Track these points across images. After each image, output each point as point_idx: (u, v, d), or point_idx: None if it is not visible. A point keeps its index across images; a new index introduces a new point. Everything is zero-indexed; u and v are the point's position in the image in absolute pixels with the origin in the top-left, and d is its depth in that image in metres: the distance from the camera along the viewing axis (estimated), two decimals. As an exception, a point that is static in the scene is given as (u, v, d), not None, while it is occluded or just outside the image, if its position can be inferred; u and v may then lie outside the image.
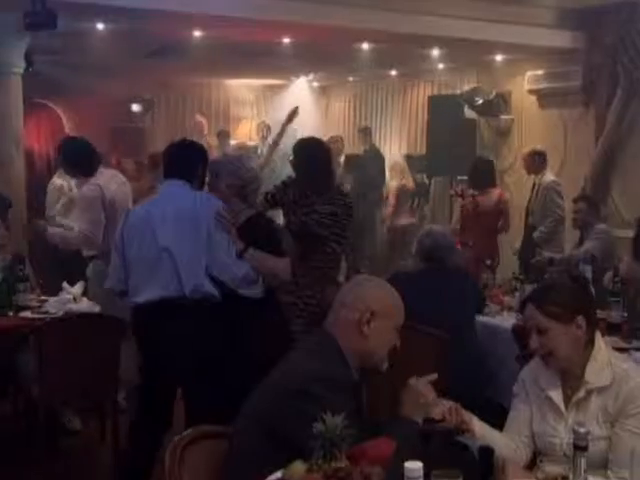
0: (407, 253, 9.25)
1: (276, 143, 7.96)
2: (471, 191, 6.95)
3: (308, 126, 10.30)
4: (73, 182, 5.96)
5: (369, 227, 9.57)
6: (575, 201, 6.10)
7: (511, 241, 7.45)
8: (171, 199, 3.52)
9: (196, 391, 3.43)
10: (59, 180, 6.52)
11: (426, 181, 9.94)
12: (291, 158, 4.85)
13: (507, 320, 4.56)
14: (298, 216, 4.59)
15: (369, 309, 2.26)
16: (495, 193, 6.90)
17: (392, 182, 9.58)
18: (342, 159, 9.53)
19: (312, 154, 4.62)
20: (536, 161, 7.01)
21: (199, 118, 10.84)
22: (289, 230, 4.65)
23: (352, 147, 11.34)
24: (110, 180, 5.05)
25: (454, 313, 4.17)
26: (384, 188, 9.76)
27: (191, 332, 3.36)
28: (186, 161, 3.61)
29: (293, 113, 7.71)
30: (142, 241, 3.45)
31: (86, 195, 4.92)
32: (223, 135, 10.98)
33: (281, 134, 7.95)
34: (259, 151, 10.09)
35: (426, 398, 2.25)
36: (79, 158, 4.98)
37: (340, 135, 9.95)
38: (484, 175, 6.94)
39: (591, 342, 2.41)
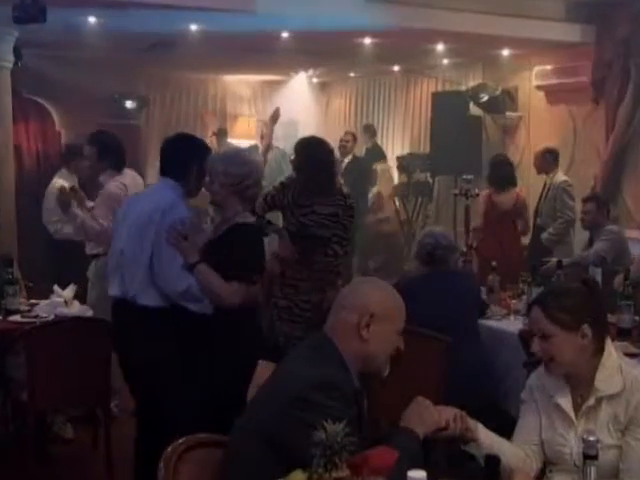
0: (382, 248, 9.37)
1: (268, 146, 7.89)
2: (476, 190, 6.91)
3: (308, 124, 10.44)
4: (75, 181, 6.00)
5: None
6: (584, 201, 6.09)
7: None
8: (142, 200, 3.55)
9: (147, 397, 3.46)
10: (60, 181, 6.42)
11: (429, 180, 9.96)
12: (292, 157, 4.91)
13: (514, 324, 4.55)
14: (296, 217, 4.62)
15: (368, 312, 2.24)
16: (512, 193, 6.86)
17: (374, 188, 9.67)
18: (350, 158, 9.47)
19: (314, 154, 4.63)
20: (547, 160, 6.98)
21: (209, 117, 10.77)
22: (288, 231, 4.67)
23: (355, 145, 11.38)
24: (132, 181, 5.08)
25: (458, 316, 4.18)
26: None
27: (140, 335, 3.38)
28: (175, 158, 3.51)
29: (275, 114, 7.66)
30: (114, 236, 3.56)
31: (112, 192, 4.92)
32: (221, 134, 11.00)
33: (269, 135, 7.93)
34: (259, 150, 9.93)
35: (432, 415, 2.25)
36: (115, 149, 4.98)
37: (353, 132, 9.90)
38: (504, 174, 6.89)
39: (600, 348, 2.39)
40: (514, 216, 6.83)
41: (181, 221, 3.35)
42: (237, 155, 3.51)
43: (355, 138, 9.63)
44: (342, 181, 6.60)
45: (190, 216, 3.43)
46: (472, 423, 2.35)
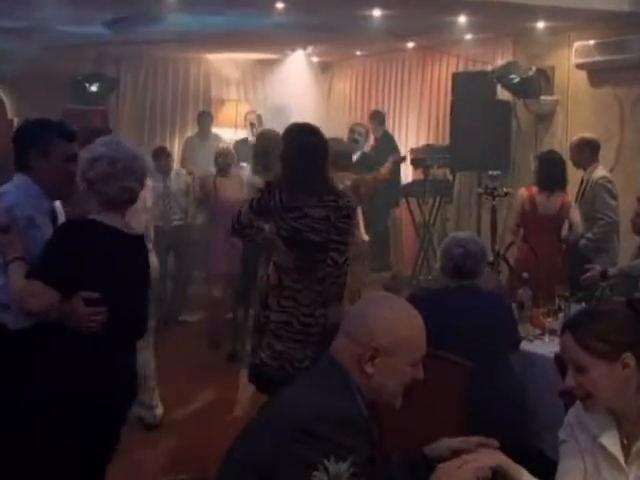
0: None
1: None
2: (504, 189, 6.94)
3: (306, 111, 10.34)
4: None
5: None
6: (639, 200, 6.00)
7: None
8: None
9: None
10: None
11: (449, 177, 9.99)
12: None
13: (549, 347, 4.55)
14: (287, 221, 4.68)
15: (372, 345, 2.26)
16: (559, 197, 6.76)
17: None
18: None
19: (304, 145, 4.66)
20: (585, 152, 6.93)
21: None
22: (280, 237, 4.74)
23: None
24: None
25: (484, 339, 4.18)
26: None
27: None
28: (17, 147, 3.47)
29: None
30: None
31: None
32: (204, 118, 10.97)
33: None
34: (248, 145, 9.96)
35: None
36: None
37: (364, 125, 9.87)
38: (554, 174, 6.76)
39: None
40: (556, 223, 6.78)
41: (6, 210, 3.28)
42: (97, 142, 3.39)
43: (368, 132, 9.67)
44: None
45: (26, 210, 3.32)
46: (515, 469, 2.31)
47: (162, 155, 8.70)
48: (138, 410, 5.48)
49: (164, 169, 8.62)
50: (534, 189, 6.76)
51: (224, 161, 8.03)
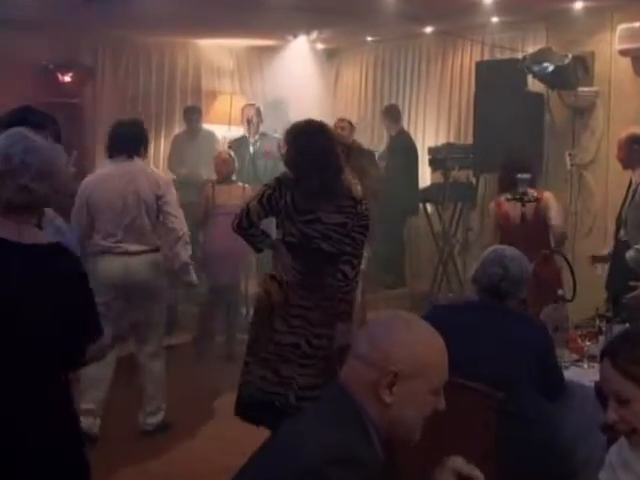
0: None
1: None
2: (535, 194, 7.02)
3: (309, 105, 10.35)
4: None
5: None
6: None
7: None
8: None
9: None
10: None
11: (472, 180, 10.00)
12: (282, 149, 5.23)
13: (588, 374, 4.56)
14: (297, 225, 4.81)
15: (391, 369, 2.27)
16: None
17: None
18: None
19: (312, 143, 4.79)
20: (635, 151, 6.94)
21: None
22: (285, 244, 4.89)
23: (373, 133, 11.50)
24: None
25: (513, 365, 4.19)
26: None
27: None
28: None
29: None
30: None
31: None
32: (191, 114, 10.97)
33: None
34: (252, 140, 10.17)
35: None
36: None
37: (348, 120, 9.94)
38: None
39: None
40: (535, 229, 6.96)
41: None
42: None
43: (352, 126, 9.72)
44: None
45: None
46: None
47: None
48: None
49: None
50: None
51: (227, 169, 8.30)
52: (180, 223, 6.27)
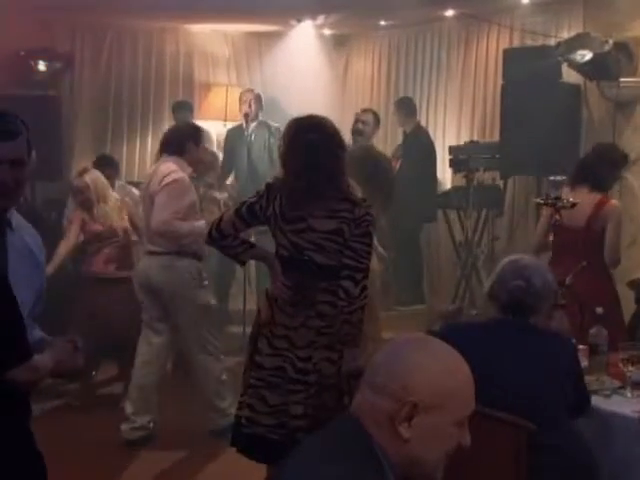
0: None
1: None
2: (570, 199, 6.79)
3: (315, 98, 10.45)
4: None
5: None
6: None
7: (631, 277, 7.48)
8: None
9: None
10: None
11: (499, 183, 9.98)
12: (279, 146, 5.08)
13: (631, 404, 4.57)
14: (287, 235, 4.79)
15: (410, 400, 2.27)
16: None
17: None
18: None
19: (303, 139, 4.76)
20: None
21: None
22: (278, 257, 4.86)
23: (387, 130, 11.52)
24: None
25: (545, 393, 4.17)
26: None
27: None
28: None
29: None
30: None
31: None
32: (181, 111, 10.97)
33: None
34: (246, 133, 10.26)
35: None
36: None
37: (372, 111, 9.86)
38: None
39: None
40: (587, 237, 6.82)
41: None
42: None
43: (378, 119, 9.84)
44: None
45: None
46: None
47: (105, 167, 8.67)
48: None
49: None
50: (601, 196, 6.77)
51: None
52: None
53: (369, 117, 9.67)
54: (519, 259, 4.61)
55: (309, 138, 4.73)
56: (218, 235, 4.93)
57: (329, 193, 4.72)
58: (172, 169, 6.58)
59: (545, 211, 6.94)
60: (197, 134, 6.88)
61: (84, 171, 7.84)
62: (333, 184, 4.75)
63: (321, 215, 4.68)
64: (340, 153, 4.85)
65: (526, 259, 4.64)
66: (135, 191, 8.80)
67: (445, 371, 2.34)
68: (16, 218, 3.51)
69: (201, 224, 6.51)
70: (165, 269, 6.62)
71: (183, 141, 6.74)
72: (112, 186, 8.56)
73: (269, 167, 9.69)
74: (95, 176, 7.78)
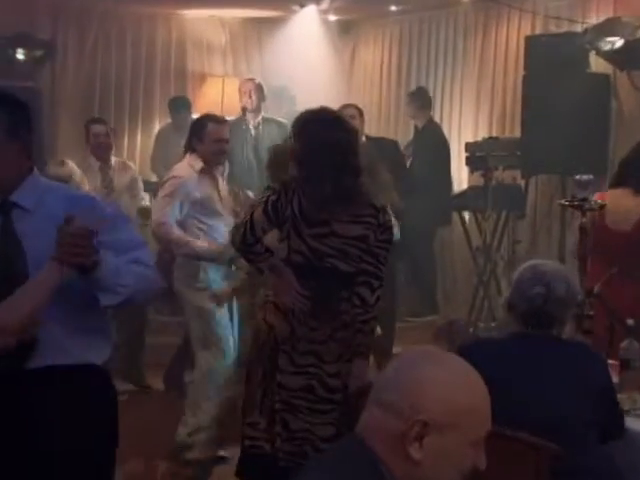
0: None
1: None
2: (599, 201, 6.67)
3: (320, 89, 10.56)
4: None
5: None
6: None
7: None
8: None
9: None
10: None
11: (520, 182, 10.00)
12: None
13: None
14: (306, 240, 4.77)
15: (420, 418, 2.26)
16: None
17: None
18: None
19: (327, 135, 4.74)
20: None
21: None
22: (290, 263, 4.83)
23: (397, 125, 11.59)
24: None
25: (573, 411, 4.13)
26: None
27: None
28: None
29: None
30: None
31: None
32: (178, 108, 10.93)
33: None
34: (244, 127, 10.08)
35: None
36: None
37: (355, 105, 9.73)
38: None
39: None
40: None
41: None
42: None
43: (362, 114, 9.60)
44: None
45: None
46: None
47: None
48: None
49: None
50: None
51: None
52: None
53: (353, 111, 9.47)
54: (538, 264, 4.56)
55: (336, 137, 4.72)
56: (254, 240, 4.88)
57: (355, 197, 4.74)
58: (175, 167, 6.79)
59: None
60: (200, 130, 6.91)
61: (62, 164, 7.97)
62: (359, 187, 4.77)
63: (345, 220, 4.71)
64: (359, 151, 4.88)
65: (547, 264, 4.60)
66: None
67: (458, 387, 2.33)
68: (33, 192, 3.61)
69: (200, 246, 6.61)
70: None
71: (190, 138, 6.92)
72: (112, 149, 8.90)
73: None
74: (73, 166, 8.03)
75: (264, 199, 4.91)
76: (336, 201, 4.72)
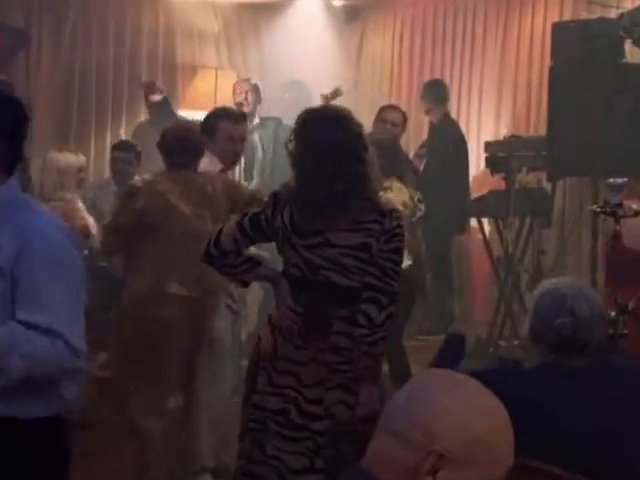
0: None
1: None
2: (634, 206, 6.77)
3: (323, 82, 10.51)
4: None
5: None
6: None
7: None
8: None
9: None
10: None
11: (546, 186, 9.95)
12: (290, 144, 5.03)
13: None
14: (299, 251, 4.75)
15: (434, 449, 2.24)
16: None
17: None
18: None
19: (323, 137, 4.75)
20: None
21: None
22: (288, 277, 4.82)
23: (409, 121, 11.27)
24: None
25: (620, 447, 4.06)
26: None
27: None
28: None
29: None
30: None
31: None
32: (161, 104, 10.71)
33: None
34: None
35: None
36: None
37: (401, 110, 9.74)
38: None
39: None
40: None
41: None
42: None
43: (406, 119, 9.62)
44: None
45: None
46: None
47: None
48: None
49: None
50: None
51: None
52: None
53: (397, 117, 9.37)
54: (554, 288, 4.48)
55: (333, 139, 4.70)
56: (217, 253, 4.87)
57: (354, 204, 4.70)
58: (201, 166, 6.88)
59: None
60: (209, 128, 6.98)
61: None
62: (358, 193, 4.73)
63: (343, 228, 4.68)
64: (366, 156, 4.82)
65: (563, 284, 4.52)
66: None
67: (477, 417, 2.32)
68: None
69: None
70: None
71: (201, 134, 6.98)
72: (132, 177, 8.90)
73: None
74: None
75: (246, 212, 4.97)
76: (330, 209, 4.71)
